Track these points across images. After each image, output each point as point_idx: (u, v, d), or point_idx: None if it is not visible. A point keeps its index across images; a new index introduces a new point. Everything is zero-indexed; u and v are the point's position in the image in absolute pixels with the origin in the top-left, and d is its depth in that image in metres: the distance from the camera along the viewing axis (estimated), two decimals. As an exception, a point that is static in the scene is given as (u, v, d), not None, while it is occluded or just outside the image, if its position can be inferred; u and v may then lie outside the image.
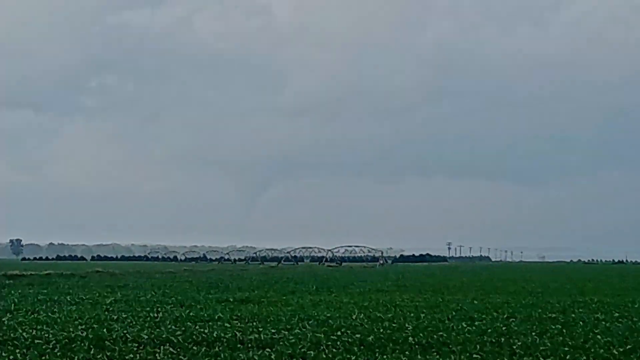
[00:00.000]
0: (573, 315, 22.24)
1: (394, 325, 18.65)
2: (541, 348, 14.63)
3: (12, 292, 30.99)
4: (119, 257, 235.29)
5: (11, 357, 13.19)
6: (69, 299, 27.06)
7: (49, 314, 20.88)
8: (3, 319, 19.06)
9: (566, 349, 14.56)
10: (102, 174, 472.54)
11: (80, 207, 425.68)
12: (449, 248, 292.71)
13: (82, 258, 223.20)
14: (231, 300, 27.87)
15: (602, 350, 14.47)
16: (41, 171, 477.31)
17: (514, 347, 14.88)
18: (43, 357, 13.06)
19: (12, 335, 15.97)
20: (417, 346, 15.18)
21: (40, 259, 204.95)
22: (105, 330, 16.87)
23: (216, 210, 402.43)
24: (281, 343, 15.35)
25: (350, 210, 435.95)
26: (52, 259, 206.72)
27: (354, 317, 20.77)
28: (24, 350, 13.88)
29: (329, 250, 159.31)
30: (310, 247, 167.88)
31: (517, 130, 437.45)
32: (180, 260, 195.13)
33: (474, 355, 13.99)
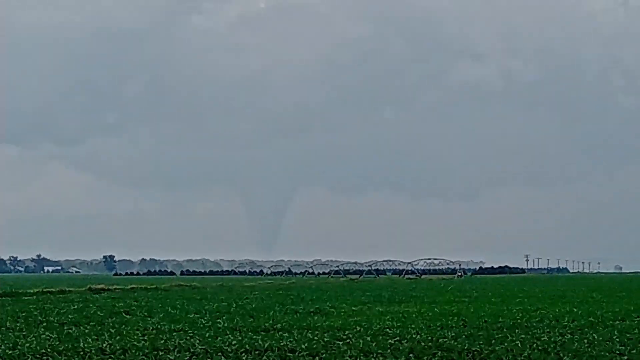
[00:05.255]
0: (627, 322, 21.77)
1: (450, 334, 18.72)
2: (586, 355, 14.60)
3: (90, 305, 32.12)
4: (207, 271, 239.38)
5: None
6: (141, 312, 27.86)
7: (116, 325, 21.69)
8: (69, 330, 19.89)
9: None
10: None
11: (171, 224, 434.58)
12: (527, 260, 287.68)
13: (172, 273, 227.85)
14: (300, 311, 28.22)
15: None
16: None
17: (561, 354, 14.88)
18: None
19: (73, 345, 16.69)
20: (465, 353, 15.32)
21: (132, 274, 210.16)
22: (163, 340, 17.46)
23: (302, 224, 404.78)
24: (330, 351, 15.65)
25: (432, 224, 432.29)
26: (143, 274, 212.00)
27: (412, 326, 20.90)
28: None
29: (409, 263, 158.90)
30: (392, 260, 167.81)
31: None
32: (266, 274, 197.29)
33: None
